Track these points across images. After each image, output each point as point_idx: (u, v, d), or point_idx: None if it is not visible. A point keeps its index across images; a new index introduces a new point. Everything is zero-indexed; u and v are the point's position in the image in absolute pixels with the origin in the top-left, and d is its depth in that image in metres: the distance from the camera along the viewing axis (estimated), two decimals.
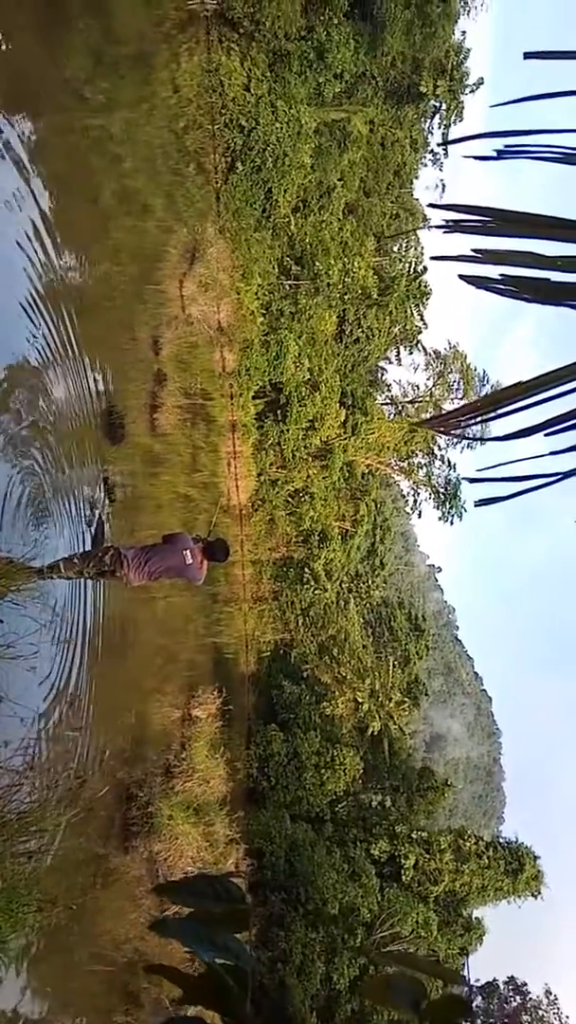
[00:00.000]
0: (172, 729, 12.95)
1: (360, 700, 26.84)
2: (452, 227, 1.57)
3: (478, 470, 1.68)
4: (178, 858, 10.22)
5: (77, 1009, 7.80)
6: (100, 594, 8.65)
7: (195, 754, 12.26)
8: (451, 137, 30.10)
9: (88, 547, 8.05)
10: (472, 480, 1.68)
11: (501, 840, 23.76)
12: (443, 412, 25.57)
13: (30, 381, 7.95)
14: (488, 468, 1.74)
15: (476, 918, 22.72)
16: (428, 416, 29.10)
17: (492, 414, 1.77)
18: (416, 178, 33.14)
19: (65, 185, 9.92)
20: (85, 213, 11.69)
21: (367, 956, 18.21)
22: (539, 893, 22.50)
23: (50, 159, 9.51)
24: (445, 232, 1.60)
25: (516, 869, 22.22)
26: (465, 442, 28.84)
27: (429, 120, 30.70)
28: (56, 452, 7.93)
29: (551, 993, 25.74)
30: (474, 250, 1.56)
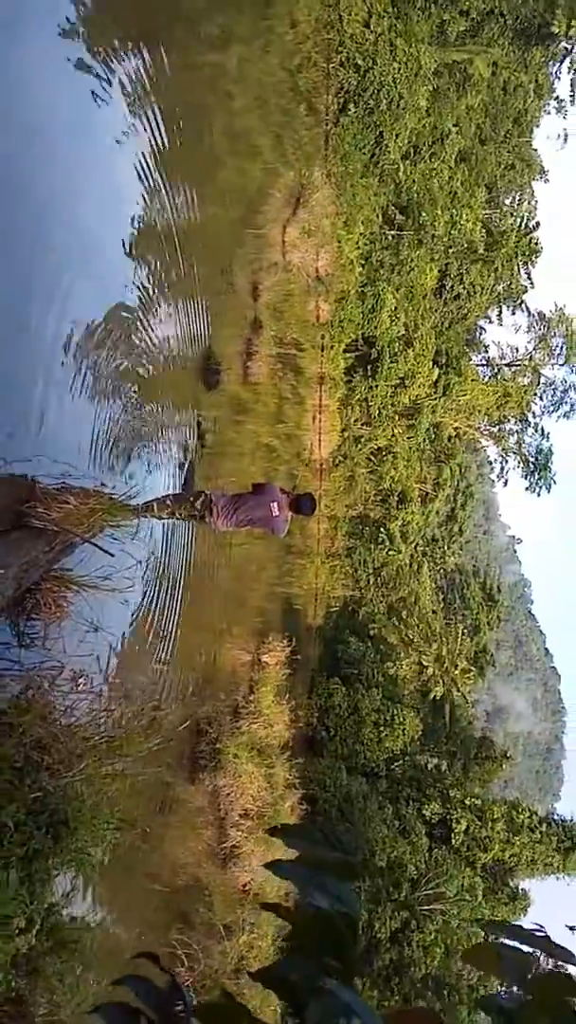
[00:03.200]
0: (241, 672, 13.29)
1: (425, 664, 26.82)
2: None
3: None
4: (239, 795, 10.59)
5: (135, 923, 8.28)
6: (188, 536, 8.84)
7: (262, 698, 12.57)
8: None
9: (180, 490, 8.22)
10: None
11: (556, 817, 23.54)
12: None
13: (131, 320, 8.03)
14: None
15: (523, 889, 22.76)
16: (527, 380, 27.93)
17: None
18: (537, 127, 31.17)
19: (175, 122, 9.81)
20: (193, 152, 11.57)
21: (410, 911, 18.58)
22: None
23: (162, 94, 9.40)
24: None
25: (569, 847, 22.04)
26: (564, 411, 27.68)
27: (558, 64, 28.66)
28: (154, 394, 8.05)
29: None
30: None
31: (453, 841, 21.51)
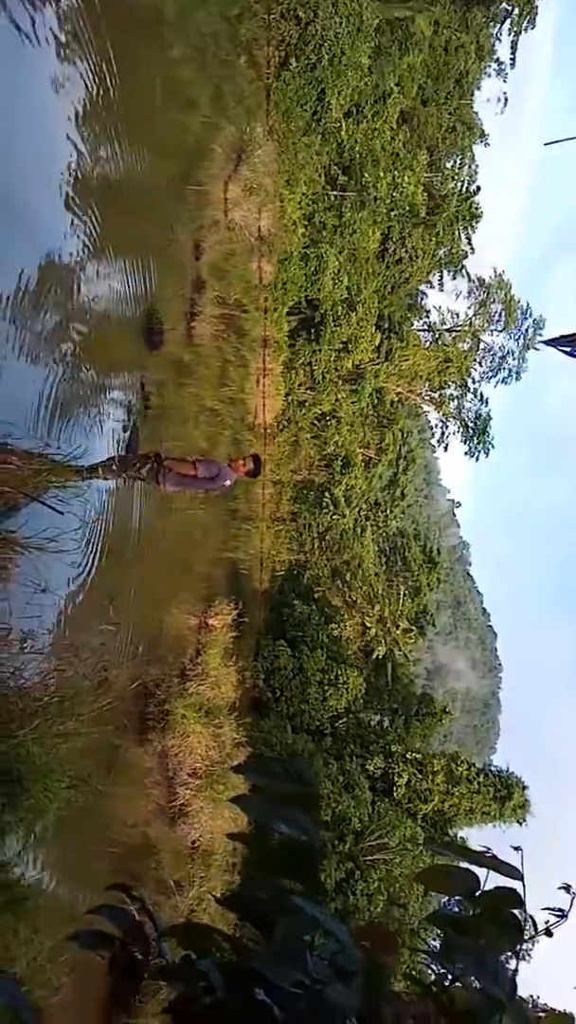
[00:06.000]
0: (189, 635, 13.34)
1: (368, 625, 27.42)
2: None
3: None
4: (188, 754, 10.72)
5: (87, 883, 8.32)
6: (134, 501, 8.73)
7: (209, 660, 12.67)
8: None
9: (125, 452, 8.09)
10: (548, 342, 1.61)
11: (492, 768, 24.58)
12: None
13: (68, 278, 7.76)
14: None
15: (461, 838, 23.80)
16: (467, 346, 28.28)
17: None
18: (478, 89, 31.07)
19: (109, 71, 9.40)
20: (128, 103, 11.11)
21: (355, 861, 19.28)
22: (524, 821, 23.45)
23: (95, 41, 8.98)
24: None
25: (504, 796, 23.09)
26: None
27: (498, 26, 28.54)
28: (96, 354, 7.85)
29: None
30: None
31: (395, 794, 22.29)
